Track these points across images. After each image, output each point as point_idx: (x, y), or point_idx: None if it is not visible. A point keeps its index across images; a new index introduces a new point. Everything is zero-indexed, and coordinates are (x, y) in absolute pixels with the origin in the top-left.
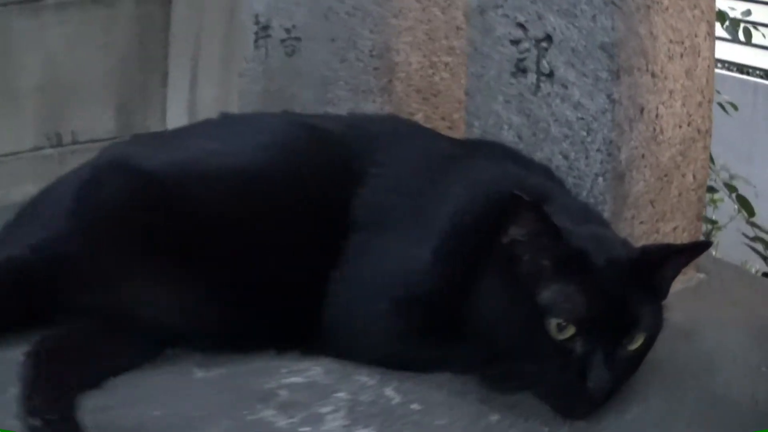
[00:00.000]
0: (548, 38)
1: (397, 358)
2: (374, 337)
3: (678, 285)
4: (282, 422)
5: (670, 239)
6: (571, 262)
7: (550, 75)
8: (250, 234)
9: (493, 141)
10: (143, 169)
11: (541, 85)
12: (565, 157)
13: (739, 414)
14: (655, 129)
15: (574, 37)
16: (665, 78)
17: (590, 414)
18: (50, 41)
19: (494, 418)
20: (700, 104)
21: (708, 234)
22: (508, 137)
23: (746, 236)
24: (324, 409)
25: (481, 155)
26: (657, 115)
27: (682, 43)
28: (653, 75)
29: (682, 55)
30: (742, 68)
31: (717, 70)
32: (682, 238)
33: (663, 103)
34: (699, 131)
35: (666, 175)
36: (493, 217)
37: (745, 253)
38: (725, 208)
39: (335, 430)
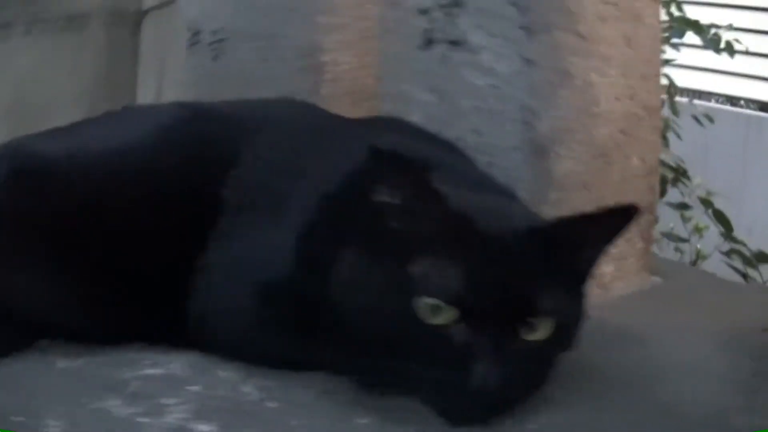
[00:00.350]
0: (456, 2)
1: (258, 351)
2: (235, 329)
3: (629, 288)
4: (123, 412)
5: None
6: (450, 231)
7: (459, 42)
8: (119, 220)
9: (393, 117)
10: (19, 154)
11: (450, 54)
12: (477, 133)
13: (687, 427)
14: (585, 99)
15: None
16: (597, 42)
17: (480, 420)
18: (19, 66)
19: (362, 421)
20: (644, 77)
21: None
22: (418, 118)
23: (722, 252)
24: (170, 401)
25: (371, 130)
26: (589, 84)
27: (617, 5)
28: (580, 36)
29: (617, 19)
30: (733, 100)
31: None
32: (631, 232)
33: (596, 70)
34: (645, 108)
35: (604, 155)
36: (363, 188)
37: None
38: (711, 237)
39: (173, 423)
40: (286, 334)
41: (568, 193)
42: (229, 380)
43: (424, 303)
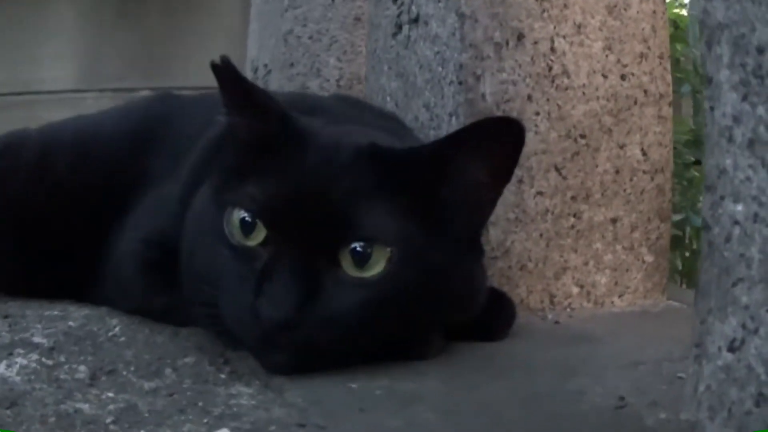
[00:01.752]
0: None
1: (136, 300)
2: (121, 276)
3: (629, 307)
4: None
5: (609, 236)
6: (272, 147)
7: (416, 19)
8: (62, 189)
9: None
10: (13, 134)
11: (410, 33)
12: (427, 108)
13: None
14: (551, 67)
15: None
16: (563, 6)
17: (280, 363)
18: None
19: (185, 360)
20: (643, 56)
21: None
22: (390, 107)
23: None
24: (37, 326)
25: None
26: (553, 50)
27: None
28: None
29: None
30: None
31: None
32: (633, 239)
33: (564, 37)
34: (646, 92)
35: (584, 137)
36: None
37: None
38: None
39: (25, 337)
40: (160, 279)
41: (530, 175)
42: (100, 317)
43: (234, 217)
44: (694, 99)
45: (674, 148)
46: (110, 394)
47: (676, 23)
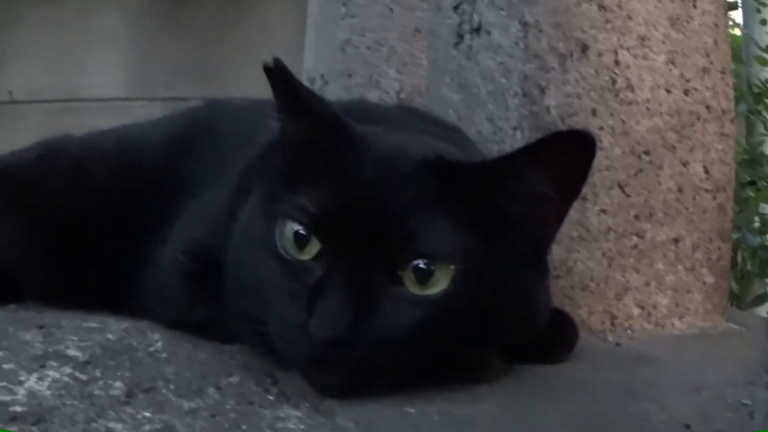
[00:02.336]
0: None
1: (177, 313)
2: (162, 292)
3: (690, 329)
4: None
5: (671, 256)
6: (334, 155)
7: (478, 29)
8: (100, 200)
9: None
10: (54, 141)
11: (472, 43)
12: (490, 120)
13: None
14: (615, 80)
15: None
16: (627, 17)
17: (331, 384)
18: None
19: (229, 380)
20: (705, 71)
21: None
22: (452, 120)
23: None
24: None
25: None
26: (617, 62)
27: None
28: (602, 7)
29: None
30: None
31: None
32: (694, 259)
33: (628, 49)
34: (709, 108)
35: (648, 153)
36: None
37: None
38: None
39: (60, 349)
40: (202, 292)
41: (595, 191)
42: (140, 330)
43: (287, 230)
44: (747, 119)
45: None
46: (147, 414)
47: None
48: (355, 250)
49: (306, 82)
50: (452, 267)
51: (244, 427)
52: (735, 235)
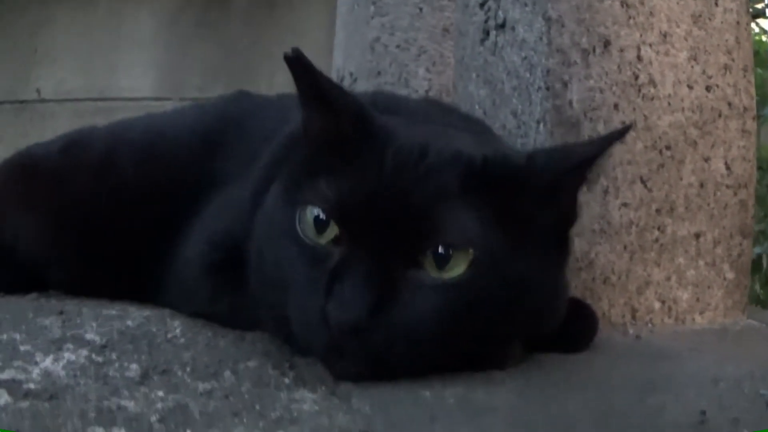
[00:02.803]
0: None
1: (201, 303)
2: (186, 278)
3: (710, 324)
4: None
5: (692, 251)
6: (355, 144)
7: (503, 25)
8: (127, 191)
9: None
10: (80, 131)
11: (497, 39)
12: (514, 115)
13: None
14: (637, 76)
15: None
16: (650, 13)
17: (348, 370)
18: None
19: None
20: (727, 68)
21: None
22: (478, 116)
23: None
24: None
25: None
26: (639, 58)
27: None
28: (625, 4)
29: None
30: None
31: None
32: (715, 255)
33: (650, 45)
34: (731, 105)
35: (669, 148)
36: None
37: None
38: None
39: (77, 333)
40: (227, 282)
41: (616, 186)
42: (161, 318)
43: (308, 214)
44: None
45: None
46: (160, 393)
47: (756, 50)
48: (374, 237)
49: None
50: (471, 251)
51: (258, 407)
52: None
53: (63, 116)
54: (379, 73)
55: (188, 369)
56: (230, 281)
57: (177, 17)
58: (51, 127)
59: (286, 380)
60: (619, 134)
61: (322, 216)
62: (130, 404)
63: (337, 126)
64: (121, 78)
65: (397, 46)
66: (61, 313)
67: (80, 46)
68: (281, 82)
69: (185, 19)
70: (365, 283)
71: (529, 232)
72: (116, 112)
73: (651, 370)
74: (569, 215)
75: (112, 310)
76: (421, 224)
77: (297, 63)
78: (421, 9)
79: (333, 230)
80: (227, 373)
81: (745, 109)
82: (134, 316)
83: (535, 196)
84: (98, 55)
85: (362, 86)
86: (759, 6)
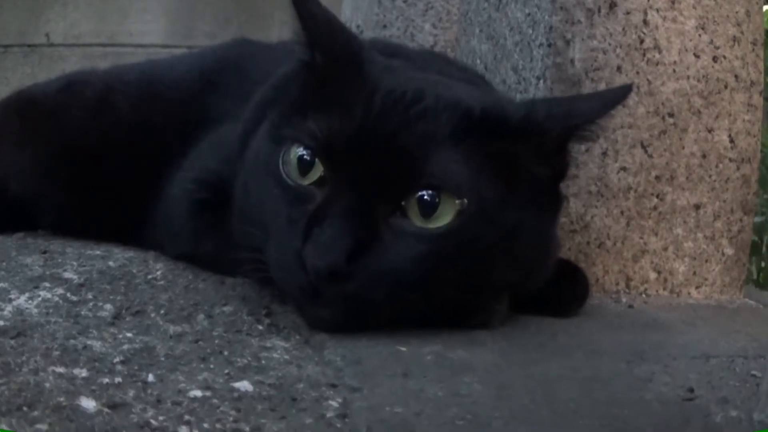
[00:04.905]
0: None
1: (184, 243)
2: (171, 222)
3: (706, 300)
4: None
5: (691, 222)
6: (348, 81)
7: None
8: (122, 130)
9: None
10: (78, 73)
11: None
12: (515, 70)
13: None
14: (642, 40)
15: None
16: None
17: (324, 317)
18: None
19: (223, 309)
20: (736, 40)
21: None
22: (479, 70)
23: None
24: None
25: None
26: (645, 22)
27: None
28: None
29: None
30: None
31: None
32: (715, 228)
33: (657, 10)
34: (737, 77)
35: (672, 115)
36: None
37: None
38: None
39: (56, 272)
40: (210, 222)
41: (615, 148)
42: (144, 260)
43: (292, 154)
44: None
45: (761, 150)
46: (129, 335)
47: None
48: (358, 178)
49: None
50: (457, 201)
51: (226, 353)
52: (760, 219)
53: (71, 60)
54: (385, 26)
55: (162, 311)
56: (215, 221)
57: None
58: (59, 71)
59: (260, 327)
60: (621, 95)
61: (307, 156)
62: (96, 344)
63: (332, 61)
64: (131, 23)
65: (405, 1)
66: (45, 252)
67: None
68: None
69: None
70: (345, 227)
71: (522, 185)
72: (125, 58)
73: (641, 340)
74: (562, 169)
75: (96, 250)
76: (406, 165)
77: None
78: None
79: (317, 171)
80: (201, 317)
81: (752, 83)
82: (117, 257)
83: (531, 149)
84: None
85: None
86: None
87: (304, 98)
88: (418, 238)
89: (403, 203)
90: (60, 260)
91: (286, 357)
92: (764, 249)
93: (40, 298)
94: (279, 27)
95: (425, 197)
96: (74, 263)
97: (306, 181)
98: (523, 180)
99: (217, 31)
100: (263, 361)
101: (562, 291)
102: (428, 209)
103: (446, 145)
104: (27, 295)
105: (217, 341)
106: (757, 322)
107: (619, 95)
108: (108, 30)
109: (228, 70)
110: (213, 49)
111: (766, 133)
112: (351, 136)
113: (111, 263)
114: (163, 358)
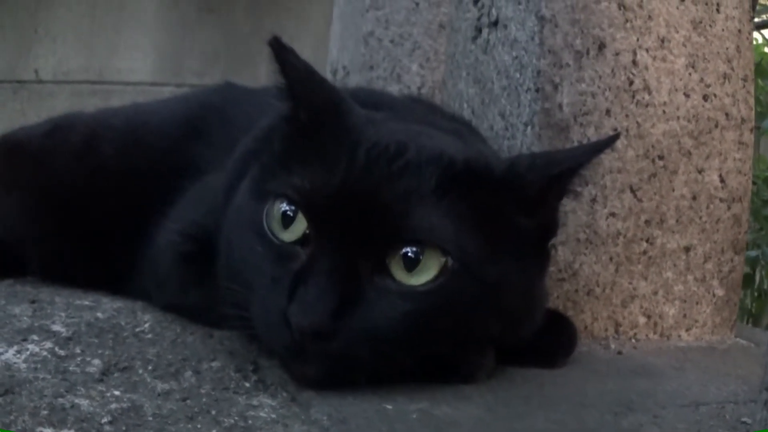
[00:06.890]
0: None
1: (170, 294)
2: (157, 273)
3: (697, 342)
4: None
5: (681, 265)
6: (331, 136)
7: (496, 23)
8: (109, 181)
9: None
10: (65, 117)
11: (489, 37)
12: (502, 116)
13: None
14: (632, 81)
15: None
16: (648, 17)
17: (308, 374)
18: None
19: (211, 365)
20: (726, 77)
21: None
22: (466, 115)
23: None
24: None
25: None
26: (634, 62)
27: None
28: (622, 6)
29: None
30: None
31: None
32: (705, 270)
33: (647, 50)
34: (728, 116)
35: (662, 158)
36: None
37: None
38: None
39: (45, 324)
40: (196, 275)
41: (604, 193)
42: (132, 311)
43: (275, 210)
44: None
45: (753, 183)
46: (116, 393)
47: (758, 62)
48: (342, 236)
49: (329, 74)
50: (442, 258)
51: (213, 412)
52: (754, 253)
53: (61, 97)
54: (371, 67)
55: (150, 367)
56: (200, 274)
57: (180, 1)
58: (49, 107)
59: (247, 384)
60: (606, 144)
61: (290, 212)
62: (84, 403)
63: (314, 115)
64: (120, 60)
65: (391, 41)
66: (33, 301)
67: (81, 27)
68: None
69: (189, 3)
70: (329, 286)
71: (507, 241)
72: (114, 95)
73: (629, 388)
74: (550, 225)
75: (85, 300)
76: (389, 222)
77: (278, 50)
78: (417, 4)
79: (300, 226)
80: (188, 374)
81: (743, 120)
82: (105, 307)
83: (516, 203)
84: (99, 36)
85: (354, 80)
86: (765, 17)
87: (286, 151)
88: (402, 296)
89: (386, 260)
90: (49, 311)
91: (273, 416)
92: (758, 281)
93: (28, 352)
94: (267, 65)
95: (409, 254)
96: (62, 314)
97: (290, 236)
98: (508, 233)
99: (205, 68)
100: (250, 421)
101: (549, 342)
102: (412, 265)
103: (429, 200)
104: (15, 348)
105: (204, 399)
106: (748, 362)
107: (602, 144)
108: (97, 66)
109: (212, 117)
110: (197, 94)
111: (757, 165)
112: (334, 192)
113: (99, 314)
114: (150, 418)
